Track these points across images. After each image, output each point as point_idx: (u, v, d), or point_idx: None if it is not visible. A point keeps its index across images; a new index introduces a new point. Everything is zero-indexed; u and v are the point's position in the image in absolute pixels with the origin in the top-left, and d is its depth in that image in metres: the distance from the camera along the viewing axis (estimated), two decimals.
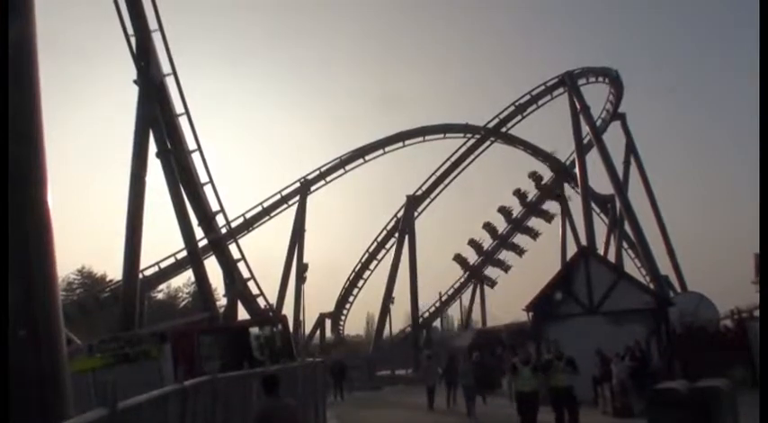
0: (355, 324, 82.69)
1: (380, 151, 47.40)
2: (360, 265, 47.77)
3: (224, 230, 33.62)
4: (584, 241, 40.65)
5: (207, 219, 31.08)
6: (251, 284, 33.70)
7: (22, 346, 5.02)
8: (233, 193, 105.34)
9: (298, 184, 45.45)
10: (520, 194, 48.95)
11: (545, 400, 13.45)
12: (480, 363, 23.44)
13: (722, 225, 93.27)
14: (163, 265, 38.31)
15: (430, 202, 47.68)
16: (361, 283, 48.01)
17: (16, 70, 5.43)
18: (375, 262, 47.77)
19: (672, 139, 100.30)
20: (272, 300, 39.20)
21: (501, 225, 49.35)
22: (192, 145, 30.25)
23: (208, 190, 31.05)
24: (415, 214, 46.36)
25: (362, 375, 35.95)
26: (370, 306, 60.17)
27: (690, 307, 25.65)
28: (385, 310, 44.58)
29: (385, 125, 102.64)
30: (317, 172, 46.20)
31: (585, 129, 44.22)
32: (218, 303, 34.45)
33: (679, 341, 21.61)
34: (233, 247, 33.46)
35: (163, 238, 70.94)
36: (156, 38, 27.97)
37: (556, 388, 13.38)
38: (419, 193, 46.91)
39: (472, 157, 47.53)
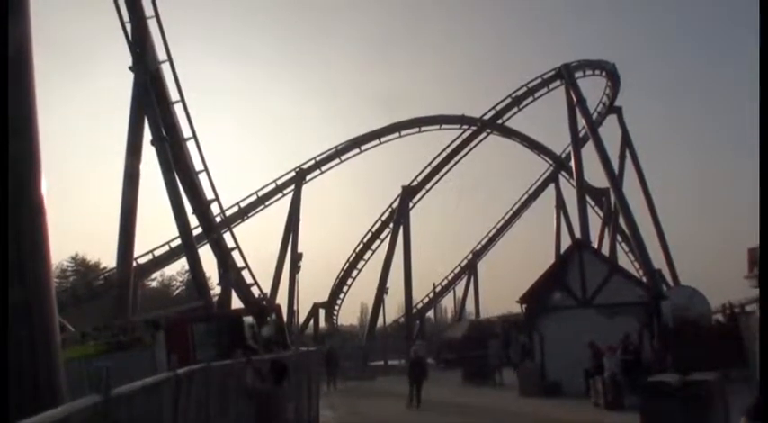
0: (349, 314, 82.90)
1: (376, 141, 47.39)
2: (354, 254, 47.89)
3: (218, 219, 33.55)
4: (578, 234, 40.76)
5: (201, 207, 30.99)
6: (245, 273, 33.78)
7: (18, 338, 5.01)
8: (228, 182, 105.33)
9: (293, 173, 45.39)
10: None
11: None
12: None
13: (716, 220, 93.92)
14: (157, 252, 38.35)
15: (425, 193, 47.82)
16: (355, 273, 48.22)
17: (12, 63, 5.39)
18: (369, 252, 47.94)
19: (667, 134, 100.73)
20: (266, 289, 39.26)
21: None
22: (186, 133, 30.18)
23: (203, 178, 31.05)
24: (410, 205, 46.37)
25: (356, 365, 36.05)
26: (364, 296, 60.40)
27: (682, 301, 25.67)
28: (379, 301, 44.63)
29: (381, 115, 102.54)
30: (313, 161, 46.16)
31: (581, 122, 44.25)
32: (212, 292, 34.50)
33: (671, 335, 21.67)
34: (227, 236, 33.47)
35: (157, 226, 71.17)
36: (153, 25, 27.89)
37: None
38: (414, 183, 46.92)
39: (468, 148, 47.60)
